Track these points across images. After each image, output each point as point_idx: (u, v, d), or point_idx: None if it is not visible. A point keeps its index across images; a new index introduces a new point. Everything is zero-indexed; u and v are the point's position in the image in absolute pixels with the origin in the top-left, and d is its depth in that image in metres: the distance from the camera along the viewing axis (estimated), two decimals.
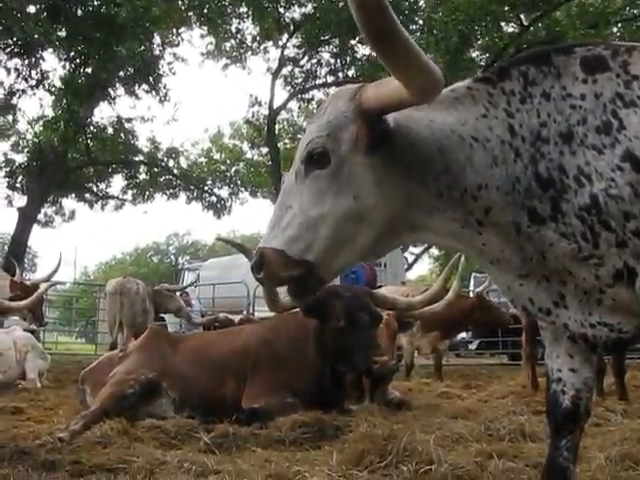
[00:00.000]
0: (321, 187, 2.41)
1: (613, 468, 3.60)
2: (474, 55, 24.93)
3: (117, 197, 30.01)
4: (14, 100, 22.68)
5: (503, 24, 23.46)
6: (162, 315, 13.92)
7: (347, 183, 2.39)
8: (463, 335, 19.03)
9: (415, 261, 39.20)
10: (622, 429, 4.68)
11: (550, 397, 2.75)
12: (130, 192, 29.91)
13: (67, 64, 22.69)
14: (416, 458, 3.38)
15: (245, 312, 13.02)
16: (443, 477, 3.14)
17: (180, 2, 23.67)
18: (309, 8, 24.69)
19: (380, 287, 11.98)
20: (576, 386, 2.69)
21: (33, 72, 21.87)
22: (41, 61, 21.67)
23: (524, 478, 3.32)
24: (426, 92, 2.21)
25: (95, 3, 20.93)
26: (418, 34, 22.27)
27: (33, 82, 22.20)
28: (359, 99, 2.39)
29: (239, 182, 32.70)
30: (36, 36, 19.08)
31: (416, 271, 49.53)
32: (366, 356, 5.18)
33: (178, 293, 14.06)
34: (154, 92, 24.55)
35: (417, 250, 38.70)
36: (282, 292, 5.38)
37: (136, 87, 24.25)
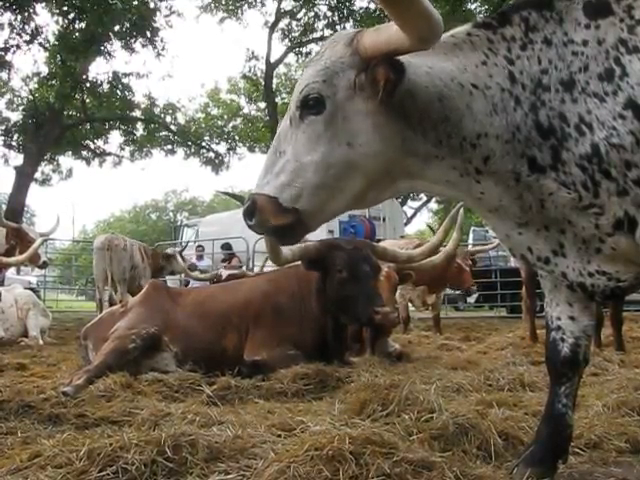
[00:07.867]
0: (315, 133, 2.37)
1: (610, 415, 3.65)
2: (473, 6, 24.55)
3: (115, 154, 29.95)
4: (8, 56, 22.41)
5: None
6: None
7: (342, 130, 2.36)
8: None
9: (414, 215, 39.29)
10: (619, 378, 4.74)
11: (549, 345, 2.76)
12: (128, 149, 29.91)
13: (60, 19, 22.37)
14: (417, 407, 3.40)
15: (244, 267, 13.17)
16: (444, 425, 3.16)
17: None
18: None
19: (379, 241, 12.03)
20: (575, 334, 2.71)
21: (27, 27, 21.58)
22: (34, 16, 21.37)
23: (523, 426, 3.36)
24: (425, 38, 2.17)
25: None
26: None
27: (27, 37, 21.91)
28: (356, 45, 2.35)
29: (237, 137, 32.62)
30: None
31: (415, 225, 49.62)
32: (368, 307, 5.19)
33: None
34: (151, 46, 24.27)
35: (416, 204, 38.75)
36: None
37: (133, 41, 23.95)
